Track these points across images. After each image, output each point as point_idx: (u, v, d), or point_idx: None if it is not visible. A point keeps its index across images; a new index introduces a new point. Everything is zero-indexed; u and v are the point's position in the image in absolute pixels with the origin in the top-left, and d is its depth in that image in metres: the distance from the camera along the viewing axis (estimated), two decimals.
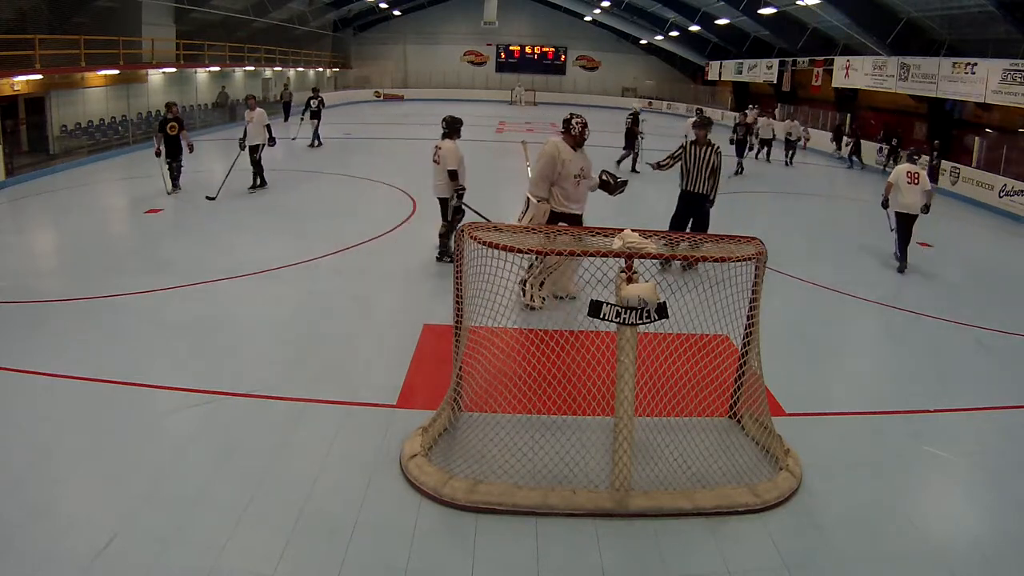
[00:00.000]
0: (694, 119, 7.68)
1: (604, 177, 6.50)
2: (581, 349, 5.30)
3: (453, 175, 7.29)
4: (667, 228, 7.49)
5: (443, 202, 7.57)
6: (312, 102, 17.64)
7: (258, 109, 11.45)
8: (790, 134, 18.44)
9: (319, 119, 17.66)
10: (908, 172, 8.40)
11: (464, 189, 7.42)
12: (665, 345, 4.34)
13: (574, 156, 6.27)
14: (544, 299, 6.30)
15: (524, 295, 6.27)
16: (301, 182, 12.94)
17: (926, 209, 8.34)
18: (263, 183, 11.69)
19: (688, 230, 7.64)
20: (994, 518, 3.75)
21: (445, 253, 7.55)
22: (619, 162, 15.15)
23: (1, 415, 4.30)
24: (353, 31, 39.70)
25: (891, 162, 17.83)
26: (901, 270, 8.46)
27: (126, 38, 17.87)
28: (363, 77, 39.23)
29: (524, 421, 4.12)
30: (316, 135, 17.68)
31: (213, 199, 10.53)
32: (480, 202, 11.79)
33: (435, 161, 7.50)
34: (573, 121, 6.32)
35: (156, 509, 3.45)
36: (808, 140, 21.43)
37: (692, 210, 7.76)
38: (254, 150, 11.35)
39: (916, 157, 9.21)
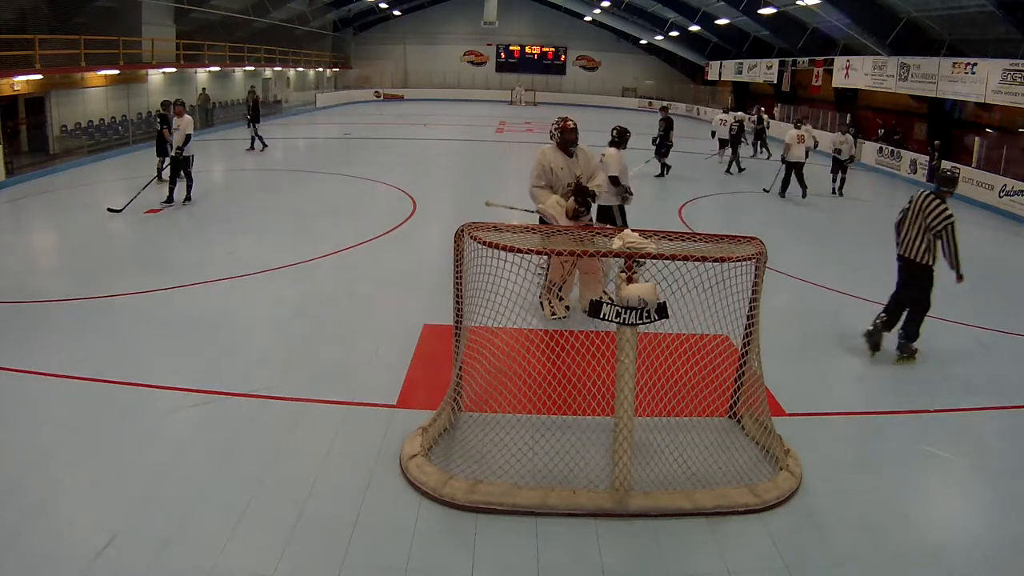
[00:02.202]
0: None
1: (576, 188, 6.06)
2: (581, 349, 5.31)
3: (615, 181, 7.13)
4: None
5: (607, 209, 7.40)
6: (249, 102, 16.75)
7: (186, 116, 10.48)
8: (839, 151, 13.55)
9: (257, 121, 16.74)
10: (796, 135, 12.65)
11: (631, 193, 7.31)
12: (665, 345, 4.34)
13: (566, 163, 6.05)
14: (568, 307, 6.17)
15: (545, 310, 6.13)
16: (300, 182, 12.95)
17: (806, 154, 12.94)
18: (188, 197, 10.55)
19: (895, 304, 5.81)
20: (994, 518, 3.75)
21: None
22: (728, 169, 15.84)
23: (1, 415, 4.30)
24: (353, 31, 39.71)
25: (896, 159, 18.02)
26: (782, 196, 12.88)
27: (126, 38, 17.88)
28: (363, 77, 39.26)
29: (524, 421, 4.12)
30: (259, 138, 16.80)
31: (118, 211, 9.61)
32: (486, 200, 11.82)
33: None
34: (552, 128, 6.12)
35: (156, 509, 3.44)
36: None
37: (906, 280, 5.74)
38: (183, 161, 10.38)
39: (800, 124, 13.83)
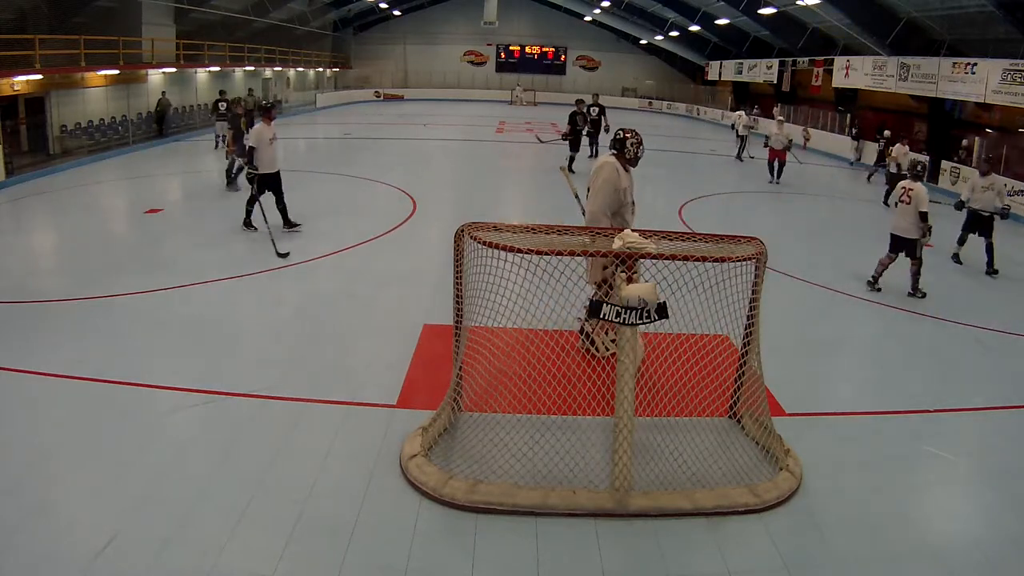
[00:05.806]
0: None
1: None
2: (581, 349, 5.31)
3: (924, 216, 7.21)
4: None
5: (905, 242, 7.41)
6: (220, 105, 15.89)
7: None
8: (966, 199, 9.00)
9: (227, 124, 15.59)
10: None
11: (931, 227, 7.35)
12: (665, 345, 4.34)
13: (630, 180, 5.31)
14: (607, 348, 5.25)
15: (594, 346, 5.26)
16: (300, 182, 12.93)
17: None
18: (288, 222, 8.95)
19: None
20: (994, 518, 3.75)
21: (917, 289, 7.50)
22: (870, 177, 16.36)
23: (1, 415, 4.30)
24: (353, 31, 39.69)
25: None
26: (740, 160, 18.03)
27: (126, 38, 17.86)
28: (363, 77, 39.24)
29: (524, 421, 4.12)
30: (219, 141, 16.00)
31: (285, 256, 7.80)
32: (491, 202, 11.86)
33: (902, 201, 7.41)
34: (628, 143, 5.20)
35: (156, 509, 3.45)
36: (808, 139, 21.41)
37: None
38: (268, 180, 8.68)
39: (748, 112, 19.46)
